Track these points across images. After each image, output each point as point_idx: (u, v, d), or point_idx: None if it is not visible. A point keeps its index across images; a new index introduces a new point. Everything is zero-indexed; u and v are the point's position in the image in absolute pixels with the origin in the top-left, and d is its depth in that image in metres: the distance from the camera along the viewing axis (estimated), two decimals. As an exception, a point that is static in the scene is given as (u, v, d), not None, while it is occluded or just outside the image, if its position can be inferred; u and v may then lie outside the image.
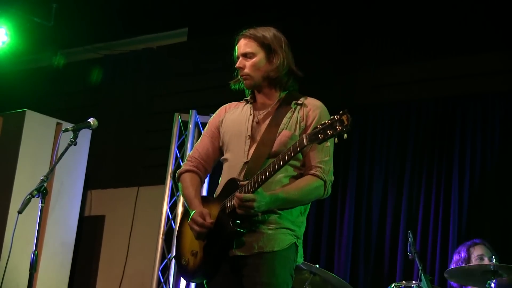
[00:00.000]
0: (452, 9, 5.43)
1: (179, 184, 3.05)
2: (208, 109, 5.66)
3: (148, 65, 6.86)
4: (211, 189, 4.91)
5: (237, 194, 2.72)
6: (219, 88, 6.02)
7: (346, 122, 2.53)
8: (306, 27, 5.85)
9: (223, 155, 3.01)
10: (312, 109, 2.89)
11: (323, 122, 2.60)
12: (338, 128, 2.54)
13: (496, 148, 5.10)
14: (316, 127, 2.61)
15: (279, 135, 2.85)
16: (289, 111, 2.89)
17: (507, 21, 5.20)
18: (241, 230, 2.76)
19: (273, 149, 2.83)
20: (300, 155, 2.83)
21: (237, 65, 2.96)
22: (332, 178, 2.87)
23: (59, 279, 6.14)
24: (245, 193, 2.72)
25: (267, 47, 2.92)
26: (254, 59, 2.92)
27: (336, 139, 2.57)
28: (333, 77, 5.74)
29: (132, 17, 6.72)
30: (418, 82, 5.56)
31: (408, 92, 5.60)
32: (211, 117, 3.11)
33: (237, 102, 3.08)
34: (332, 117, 2.58)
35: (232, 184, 2.82)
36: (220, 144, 3.03)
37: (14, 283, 5.53)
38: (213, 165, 3.08)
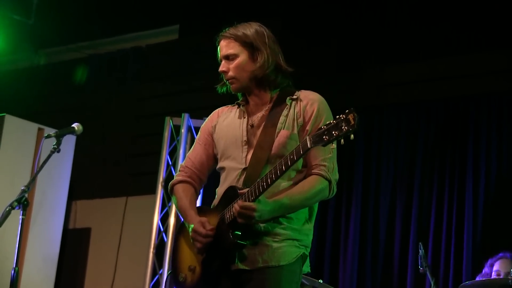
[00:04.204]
0: (463, 5, 5.45)
1: (173, 197, 3.03)
2: (202, 112, 5.63)
3: (136, 65, 6.87)
4: (205, 200, 4.88)
5: (238, 202, 2.70)
6: (213, 89, 6.01)
7: (352, 122, 2.50)
8: (308, 25, 5.86)
9: (217, 163, 2.97)
10: (310, 103, 2.86)
11: (327, 123, 2.56)
12: (344, 128, 2.50)
13: (513, 151, 5.10)
14: (320, 128, 2.57)
15: (277, 136, 2.82)
16: (285, 108, 2.87)
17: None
18: (242, 242, 2.72)
19: (272, 151, 2.80)
20: None
21: (220, 69, 2.95)
22: (337, 176, 2.84)
23: (42, 297, 6.11)
24: (246, 201, 2.69)
25: (250, 46, 2.89)
26: (237, 61, 2.90)
27: (342, 140, 2.53)
28: (337, 76, 5.74)
29: (119, 13, 6.74)
30: (427, 81, 5.56)
31: (416, 92, 5.60)
32: (203, 123, 3.09)
33: (229, 106, 3.06)
34: (337, 116, 2.55)
35: (231, 192, 2.79)
36: (215, 151, 3.00)
37: (-7, 302, 5.51)
38: (208, 174, 3.05)
